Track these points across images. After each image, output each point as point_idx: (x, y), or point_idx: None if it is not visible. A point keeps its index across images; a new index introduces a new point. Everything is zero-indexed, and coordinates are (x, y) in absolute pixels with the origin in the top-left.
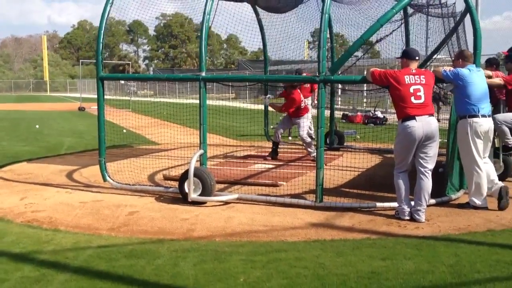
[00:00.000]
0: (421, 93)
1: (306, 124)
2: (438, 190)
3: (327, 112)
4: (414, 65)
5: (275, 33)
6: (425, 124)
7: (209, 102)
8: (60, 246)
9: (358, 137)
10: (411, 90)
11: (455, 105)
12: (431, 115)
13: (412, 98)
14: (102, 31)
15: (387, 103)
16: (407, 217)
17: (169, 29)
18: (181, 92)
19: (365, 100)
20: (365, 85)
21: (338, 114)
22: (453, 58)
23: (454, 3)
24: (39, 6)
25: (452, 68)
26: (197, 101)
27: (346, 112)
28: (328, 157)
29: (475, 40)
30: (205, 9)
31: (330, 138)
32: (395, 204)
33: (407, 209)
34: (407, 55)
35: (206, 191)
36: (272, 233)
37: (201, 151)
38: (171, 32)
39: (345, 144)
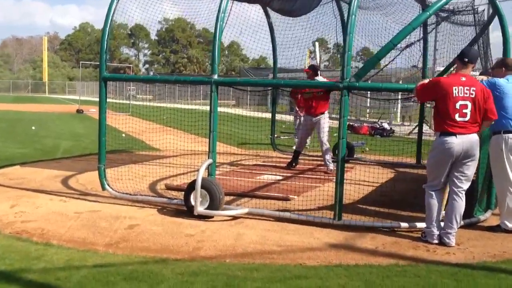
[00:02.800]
0: (468, 110)
1: (327, 125)
2: (465, 211)
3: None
4: (467, 71)
5: (279, 39)
6: (466, 141)
7: (207, 107)
8: (51, 264)
9: (367, 148)
10: (457, 106)
11: None
12: (474, 133)
13: (457, 116)
14: (108, 28)
15: (391, 116)
16: (436, 241)
17: (171, 33)
18: (181, 97)
19: (368, 110)
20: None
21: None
22: (492, 66)
23: (484, 10)
24: (41, 7)
25: (489, 77)
26: (198, 107)
27: (351, 123)
28: None
29: (505, 49)
30: (220, 7)
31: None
32: (421, 225)
33: (436, 232)
34: (463, 56)
35: (214, 204)
36: (288, 254)
37: (210, 161)
38: (173, 36)
39: (354, 156)
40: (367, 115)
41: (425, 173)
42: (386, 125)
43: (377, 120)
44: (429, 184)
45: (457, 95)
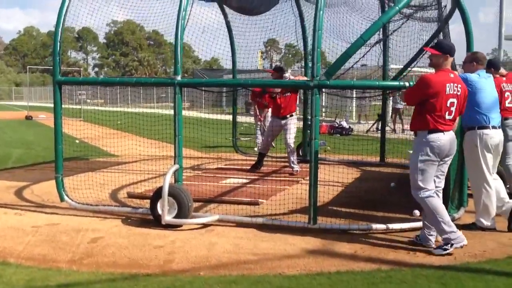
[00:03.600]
0: (454, 108)
1: (294, 127)
2: None
3: (300, 123)
4: (448, 66)
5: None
6: (451, 138)
7: (162, 111)
8: (11, 286)
9: (329, 148)
10: (448, 103)
11: (464, 116)
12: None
13: (447, 114)
14: (60, 28)
15: (347, 114)
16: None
17: (120, 36)
18: (133, 101)
19: (324, 110)
20: (355, 91)
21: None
22: (463, 61)
23: (446, 5)
24: None
25: (459, 73)
26: (152, 110)
27: (309, 122)
28: (304, 171)
29: (468, 44)
30: (180, 4)
31: (303, 150)
32: (396, 226)
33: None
34: (450, 49)
35: (183, 212)
36: (265, 263)
37: (176, 166)
38: (122, 39)
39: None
40: (323, 114)
41: (390, 171)
42: (344, 124)
43: (333, 119)
44: (423, 188)
45: (449, 92)
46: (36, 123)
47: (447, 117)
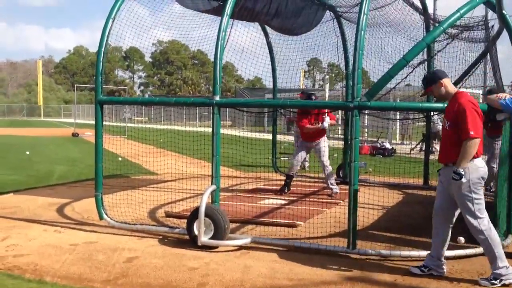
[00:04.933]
0: None
1: (327, 148)
2: None
3: (339, 143)
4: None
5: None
6: None
7: (204, 129)
8: None
9: (370, 169)
10: None
11: None
12: None
13: None
14: (103, 50)
15: (390, 135)
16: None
17: (165, 55)
18: (178, 119)
19: (366, 130)
20: (398, 113)
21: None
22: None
23: (493, 25)
24: (36, 31)
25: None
26: (195, 128)
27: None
28: (344, 193)
29: None
30: (220, 25)
31: (343, 171)
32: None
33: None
34: (434, 76)
35: (219, 233)
36: None
37: (213, 187)
38: (167, 58)
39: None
40: (366, 135)
41: (434, 194)
42: (387, 145)
43: (376, 139)
44: (482, 216)
45: None
46: (82, 140)
47: None
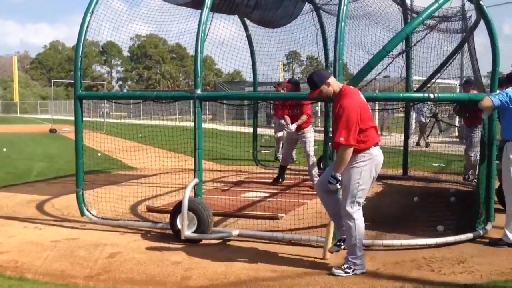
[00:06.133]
0: None
1: (312, 139)
2: (466, 225)
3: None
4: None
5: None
6: None
7: (185, 123)
8: None
9: None
10: None
11: (504, 128)
12: None
13: None
14: (81, 43)
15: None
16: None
17: (143, 50)
18: (157, 113)
19: None
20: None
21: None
22: (500, 83)
23: (471, 16)
24: (12, 27)
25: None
26: (174, 123)
27: (330, 134)
28: None
29: (494, 55)
30: (200, 17)
31: (324, 163)
32: (422, 241)
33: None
34: (322, 78)
35: (202, 227)
36: (284, 281)
37: (196, 180)
38: (145, 53)
39: None
40: None
41: (413, 184)
42: None
43: None
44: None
45: None
46: (60, 136)
47: None
